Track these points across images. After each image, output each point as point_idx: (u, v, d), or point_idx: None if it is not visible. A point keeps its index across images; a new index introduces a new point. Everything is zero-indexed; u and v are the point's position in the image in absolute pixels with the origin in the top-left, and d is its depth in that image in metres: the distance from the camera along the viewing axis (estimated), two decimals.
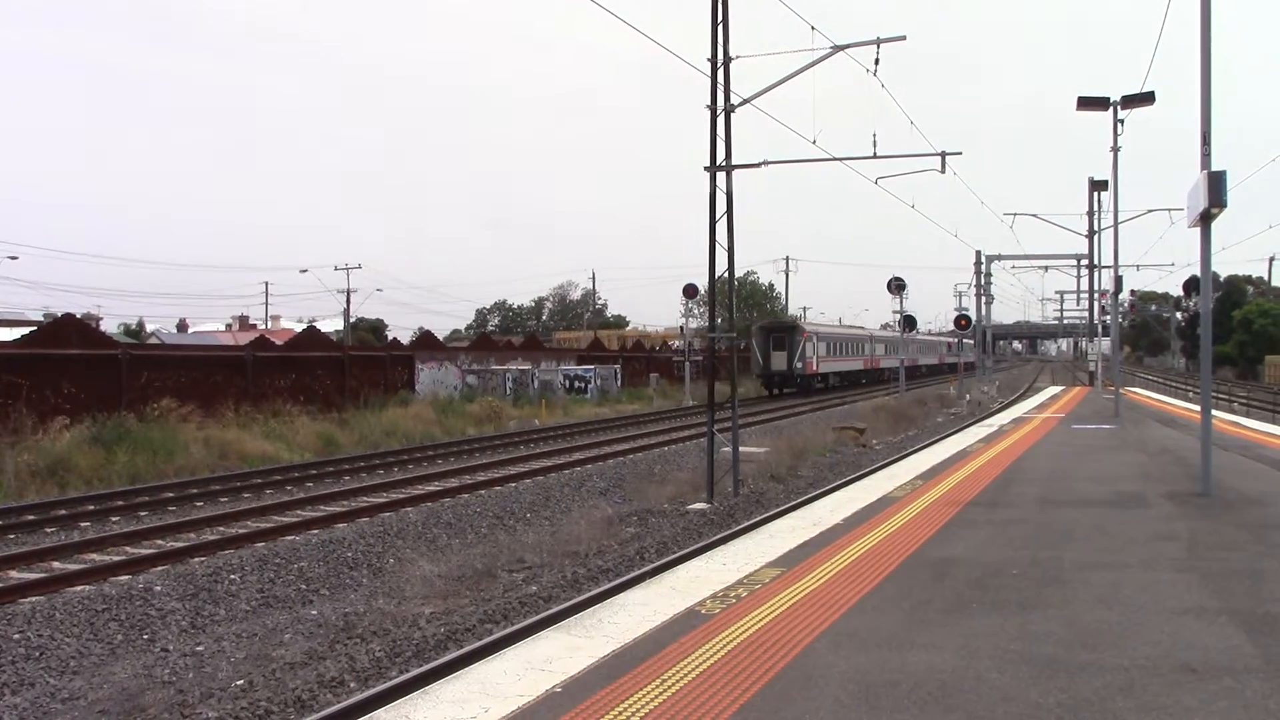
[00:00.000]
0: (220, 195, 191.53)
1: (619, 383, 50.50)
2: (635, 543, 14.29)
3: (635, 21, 25.74)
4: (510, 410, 37.95)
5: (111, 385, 25.61)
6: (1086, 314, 52.47)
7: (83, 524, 16.42)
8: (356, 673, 8.86)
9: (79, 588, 12.22)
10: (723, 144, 18.19)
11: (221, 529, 15.98)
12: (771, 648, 5.97)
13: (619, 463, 24.20)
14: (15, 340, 27.18)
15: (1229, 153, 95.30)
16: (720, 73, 17.91)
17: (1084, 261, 46.77)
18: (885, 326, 70.81)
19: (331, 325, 72.04)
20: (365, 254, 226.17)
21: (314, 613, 11.36)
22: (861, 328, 75.61)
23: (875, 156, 20.97)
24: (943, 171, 21.62)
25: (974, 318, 48.95)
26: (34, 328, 32.71)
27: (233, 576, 12.88)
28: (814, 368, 45.16)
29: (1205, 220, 11.77)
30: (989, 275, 46.61)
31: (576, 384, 46.31)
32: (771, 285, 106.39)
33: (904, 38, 18.65)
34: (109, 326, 60.06)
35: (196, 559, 13.83)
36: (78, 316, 32.28)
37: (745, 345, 51.57)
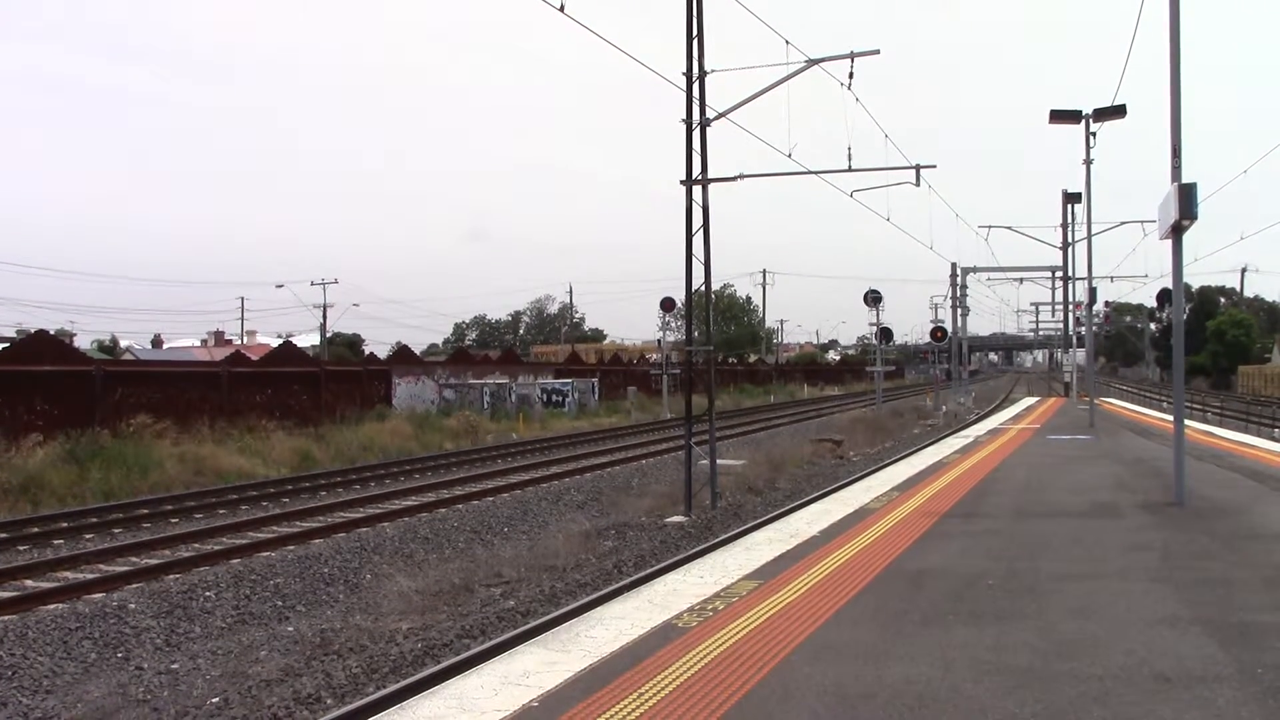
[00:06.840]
0: (194, 210, 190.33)
1: (597, 396, 50.47)
2: (613, 556, 14.26)
3: (607, 34, 25.87)
4: (488, 424, 37.87)
5: (85, 402, 25.39)
6: (1061, 325, 52.94)
7: (56, 541, 16.26)
8: (333, 689, 8.80)
9: (52, 606, 12.10)
10: (698, 158, 18.22)
11: (197, 545, 15.86)
12: (749, 661, 5.98)
13: (596, 476, 24.19)
14: None
15: (1203, 160, 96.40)
16: (695, 87, 17.97)
17: (1058, 273, 47.20)
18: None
19: (308, 340, 71.69)
20: (341, 269, 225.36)
21: (290, 629, 11.29)
22: None
23: (850, 170, 21.06)
24: (917, 184, 21.75)
25: (950, 329, 49.32)
26: (6, 344, 32.40)
27: (208, 593, 12.79)
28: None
29: (1177, 232, 11.90)
30: (965, 287, 47.10)
31: (554, 398, 46.24)
32: (749, 298, 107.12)
33: (878, 51, 18.76)
34: (82, 343, 59.34)
35: (171, 576, 13.72)
36: (51, 333, 32.03)
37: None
